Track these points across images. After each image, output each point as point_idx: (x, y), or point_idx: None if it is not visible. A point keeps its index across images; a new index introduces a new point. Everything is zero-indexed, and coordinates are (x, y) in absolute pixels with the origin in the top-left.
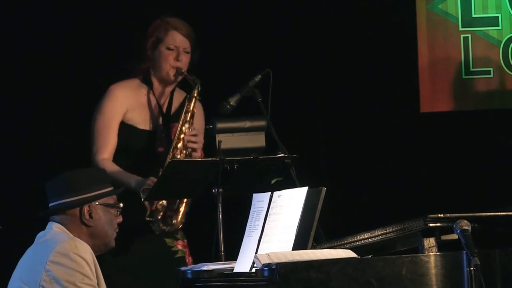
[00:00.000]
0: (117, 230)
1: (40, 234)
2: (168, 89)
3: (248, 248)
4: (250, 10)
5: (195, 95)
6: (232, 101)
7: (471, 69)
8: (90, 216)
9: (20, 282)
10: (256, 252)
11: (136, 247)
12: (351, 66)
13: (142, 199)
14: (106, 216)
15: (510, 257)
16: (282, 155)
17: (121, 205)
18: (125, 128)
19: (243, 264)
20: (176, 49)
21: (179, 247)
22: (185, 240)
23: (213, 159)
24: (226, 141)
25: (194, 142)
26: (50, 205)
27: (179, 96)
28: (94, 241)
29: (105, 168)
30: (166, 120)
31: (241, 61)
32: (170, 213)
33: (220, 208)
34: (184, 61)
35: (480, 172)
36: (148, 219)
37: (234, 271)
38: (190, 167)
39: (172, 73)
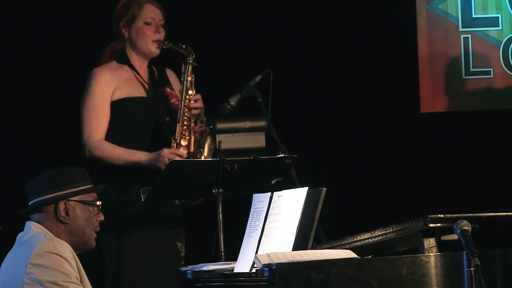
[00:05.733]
0: (97, 228)
1: (20, 235)
2: (147, 64)
3: (248, 248)
4: (251, 9)
5: (191, 61)
6: (233, 101)
7: (471, 69)
8: (67, 214)
9: (2, 286)
10: (256, 253)
11: (145, 247)
12: (351, 66)
13: (143, 200)
14: (83, 214)
15: (510, 257)
16: (282, 155)
17: (99, 203)
18: (120, 104)
19: (243, 264)
20: (153, 22)
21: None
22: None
23: (213, 159)
24: (226, 142)
25: (197, 108)
26: (29, 203)
27: (154, 70)
28: (72, 239)
29: (103, 149)
30: (155, 87)
31: (242, 61)
32: None
33: (220, 208)
34: (162, 34)
35: (480, 172)
36: None
37: (234, 271)
38: (190, 167)
39: (154, 46)
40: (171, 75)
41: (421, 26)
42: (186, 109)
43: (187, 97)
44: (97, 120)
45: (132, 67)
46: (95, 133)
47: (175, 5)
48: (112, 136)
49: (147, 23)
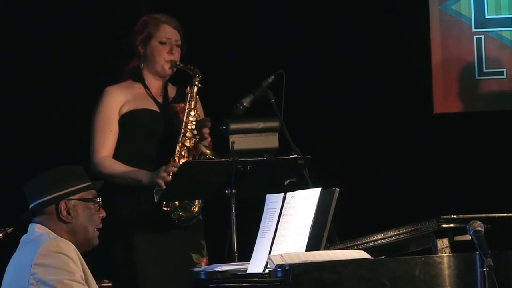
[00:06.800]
0: (99, 225)
1: (24, 237)
2: (161, 83)
3: (262, 249)
4: (264, 10)
5: (196, 83)
6: (245, 102)
7: (484, 70)
8: (68, 213)
9: None
10: (269, 253)
11: (161, 258)
12: (364, 67)
13: (156, 201)
14: (85, 212)
15: None
16: (295, 156)
17: (99, 199)
18: (128, 116)
19: (256, 265)
20: (168, 42)
21: (203, 265)
22: (207, 257)
23: (227, 160)
24: (239, 142)
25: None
26: (29, 207)
27: (171, 89)
28: (76, 238)
29: (107, 166)
30: (165, 104)
31: (254, 62)
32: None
33: (233, 209)
34: (177, 55)
35: (494, 173)
36: (165, 208)
37: (248, 272)
38: (204, 168)
39: (167, 66)
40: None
41: (434, 26)
42: (187, 130)
43: (190, 118)
44: (103, 137)
45: (145, 85)
46: (100, 150)
47: (189, 6)
48: (120, 146)
49: (162, 43)
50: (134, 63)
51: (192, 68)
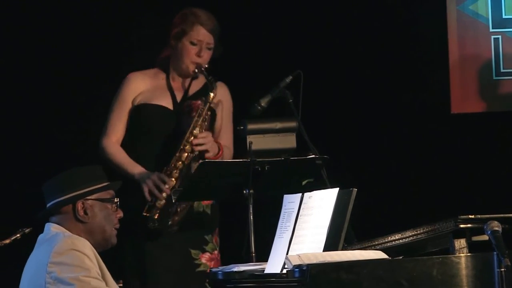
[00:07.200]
0: (117, 225)
1: (40, 236)
2: (185, 80)
3: (279, 249)
4: (282, 10)
5: (210, 99)
6: (263, 102)
7: (502, 70)
8: (85, 213)
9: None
10: (287, 253)
11: (159, 253)
12: (381, 67)
13: (173, 201)
14: (102, 212)
15: None
16: (313, 156)
17: (117, 199)
18: (138, 109)
19: (274, 265)
20: (199, 44)
21: (203, 260)
22: (215, 252)
23: (244, 160)
24: (257, 142)
25: (201, 144)
26: (46, 206)
27: (200, 80)
28: (93, 237)
29: (111, 151)
30: (184, 99)
31: (272, 62)
32: (167, 213)
33: (251, 209)
34: (205, 57)
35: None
36: (144, 214)
37: (265, 272)
38: (221, 169)
39: (192, 68)
40: (221, 88)
41: (451, 26)
42: (187, 144)
43: (194, 132)
44: (113, 123)
45: (168, 77)
46: (109, 134)
47: (208, 5)
48: (127, 139)
49: (192, 43)
50: (166, 52)
51: (211, 80)
